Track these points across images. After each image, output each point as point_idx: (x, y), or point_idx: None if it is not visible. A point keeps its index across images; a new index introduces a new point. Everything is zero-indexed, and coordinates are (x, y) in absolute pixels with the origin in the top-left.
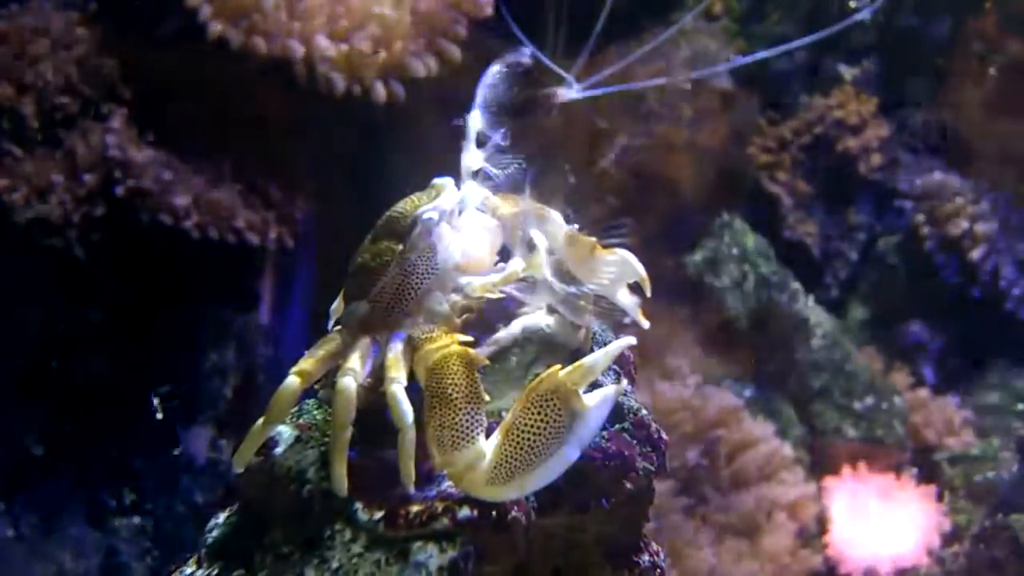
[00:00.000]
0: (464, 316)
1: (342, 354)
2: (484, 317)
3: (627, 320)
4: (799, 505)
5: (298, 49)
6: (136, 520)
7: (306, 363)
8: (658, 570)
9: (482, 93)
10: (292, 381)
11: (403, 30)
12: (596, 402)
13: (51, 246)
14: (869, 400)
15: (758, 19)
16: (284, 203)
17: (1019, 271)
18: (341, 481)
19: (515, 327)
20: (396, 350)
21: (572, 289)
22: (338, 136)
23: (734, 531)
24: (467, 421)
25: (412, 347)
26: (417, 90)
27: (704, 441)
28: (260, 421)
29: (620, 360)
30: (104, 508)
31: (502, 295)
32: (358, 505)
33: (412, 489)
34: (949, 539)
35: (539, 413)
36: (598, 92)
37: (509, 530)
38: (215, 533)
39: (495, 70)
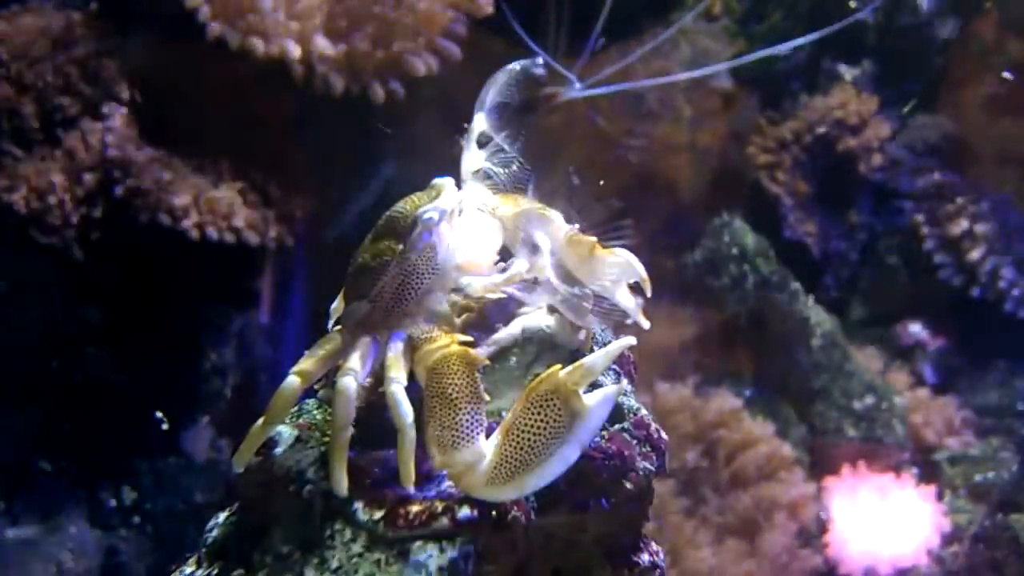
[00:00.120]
0: (464, 316)
1: (342, 354)
2: (484, 317)
3: (628, 320)
4: (799, 505)
5: (295, 50)
6: (136, 520)
7: (306, 363)
8: (658, 570)
9: (486, 94)
10: (292, 381)
11: (402, 29)
12: (596, 402)
13: (51, 246)
14: (869, 400)
15: (758, 19)
16: (283, 202)
17: (1019, 271)
18: (341, 481)
19: (515, 327)
20: (396, 350)
21: (575, 290)
22: (338, 135)
23: (734, 531)
24: (467, 421)
25: (412, 347)
26: (417, 89)
27: (704, 441)
28: (260, 421)
29: (620, 360)
30: (104, 508)
31: (502, 295)
32: (358, 505)
33: (412, 489)
34: (949, 539)
35: (539, 413)
36: (600, 92)
37: (509, 530)
38: (215, 533)
39: (504, 72)
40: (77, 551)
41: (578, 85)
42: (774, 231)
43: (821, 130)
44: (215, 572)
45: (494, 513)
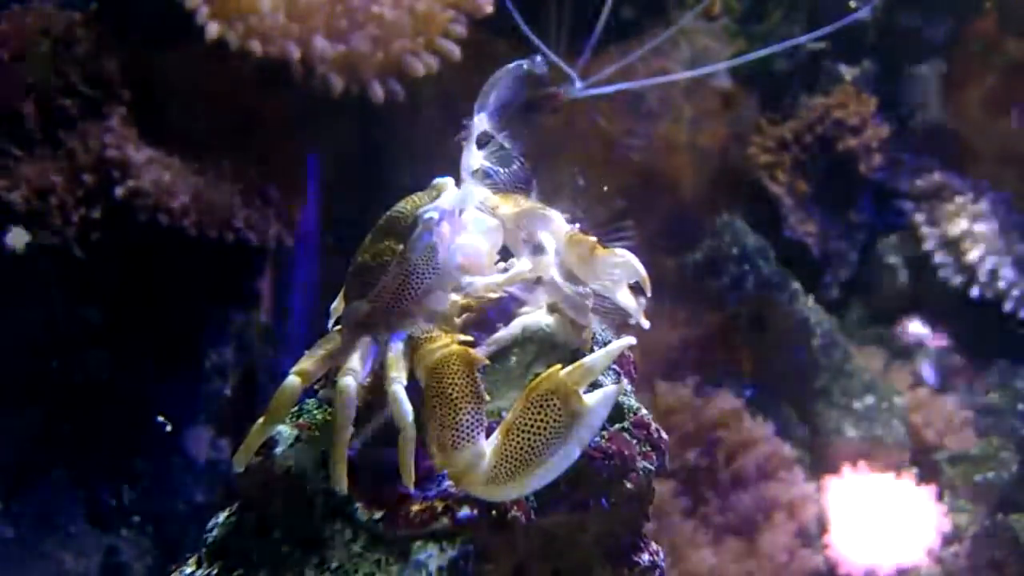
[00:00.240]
0: (464, 316)
1: (342, 354)
2: (484, 317)
3: (628, 320)
4: (799, 505)
5: (294, 51)
6: (136, 520)
7: (306, 363)
8: (658, 570)
9: (486, 93)
10: (292, 381)
11: (402, 29)
12: (596, 402)
13: (51, 246)
14: (869, 400)
15: (758, 19)
16: (283, 202)
17: (1019, 271)
18: (341, 480)
19: (515, 327)
20: (396, 350)
21: (580, 289)
22: (338, 135)
23: (734, 531)
24: (467, 421)
25: (412, 347)
26: (417, 89)
27: (704, 441)
28: (260, 421)
29: (620, 360)
30: (104, 508)
31: (504, 294)
32: (358, 504)
33: (412, 488)
34: (949, 539)
35: (539, 413)
36: (601, 91)
37: (509, 529)
38: (215, 533)
39: (504, 71)
40: (77, 551)
41: (579, 84)
42: (774, 231)
43: (821, 130)
44: (215, 572)
45: (494, 513)
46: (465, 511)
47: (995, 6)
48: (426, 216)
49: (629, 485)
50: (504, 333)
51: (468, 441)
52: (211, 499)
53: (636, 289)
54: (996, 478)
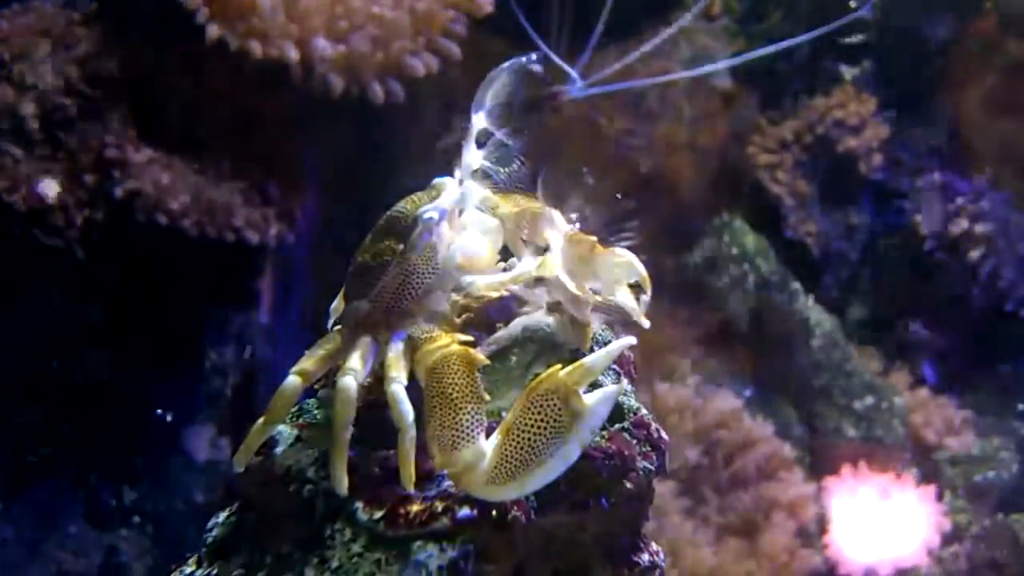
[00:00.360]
0: (464, 316)
1: (342, 353)
2: (484, 317)
3: (628, 320)
4: (799, 505)
5: (293, 53)
6: (136, 520)
7: (306, 362)
8: (658, 570)
9: (484, 92)
10: (292, 380)
11: (402, 30)
12: (596, 401)
13: (52, 246)
14: (869, 400)
15: (758, 19)
16: (283, 201)
17: (1019, 271)
18: (341, 480)
19: (515, 327)
20: (396, 350)
21: (587, 285)
22: (338, 135)
23: (734, 531)
24: (467, 421)
25: (412, 347)
26: (417, 88)
27: (704, 441)
28: (260, 421)
29: (620, 360)
30: (104, 508)
31: (505, 294)
32: (358, 504)
33: (412, 489)
34: (949, 539)
35: (539, 413)
36: (602, 90)
37: (509, 530)
38: (215, 533)
39: (502, 70)
40: (77, 551)
41: (580, 83)
42: (774, 231)
43: (821, 130)
44: (215, 572)
45: (494, 513)
46: (465, 511)
47: (995, 6)
48: (426, 216)
49: (629, 485)
50: (504, 333)
51: (468, 441)
52: (211, 499)
53: (636, 289)
54: (996, 478)
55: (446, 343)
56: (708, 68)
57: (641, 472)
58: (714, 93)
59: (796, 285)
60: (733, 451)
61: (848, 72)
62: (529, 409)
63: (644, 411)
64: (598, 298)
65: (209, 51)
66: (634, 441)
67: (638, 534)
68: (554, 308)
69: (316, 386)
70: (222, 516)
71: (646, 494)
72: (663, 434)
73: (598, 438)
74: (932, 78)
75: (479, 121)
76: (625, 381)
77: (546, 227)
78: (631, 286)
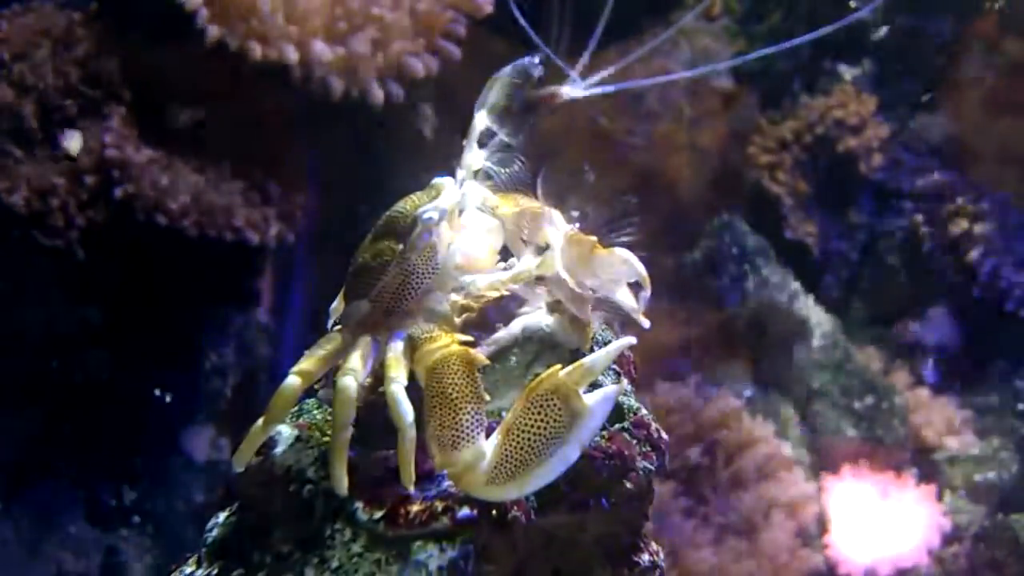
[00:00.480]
0: (464, 316)
1: (342, 354)
2: (484, 317)
3: (628, 320)
4: (799, 505)
5: (293, 55)
6: (136, 520)
7: (306, 363)
8: (658, 570)
9: (487, 93)
10: (292, 381)
11: (402, 31)
12: (596, 402)
13: (51, 247)
14: (869, 400)
15: (758, 19)
16: (283, 201)
17: (1019, 271)
18: (341, 480)
19: (515, 327)
20: (396, 350)
21: (587, 285)
22: (338, 134)
23: (734, 531)
24: (467, 421)
25: (412, 347)
26: (417, 89)
27: (704, 441)
28: (260, 421)
29: (620, 360)
30: (104, 508)
31: (505, 293)
32: (358, 504)
33: (412, 489)
34: (949, 539)
35: (539, 413)
36: (602, 91)
37: (509, 530)
38: (215, 533)
39: (505, 71)
40: (77, 551)
41: (579, 84)
42: (774, 231)
43: (821, 130)
44: (215, 572)
45: (494, 513)
46: (465, 511)
47: (995, 6)
48: (425, 216)
49: (629, 485)
50: (504, 333)
51: (468, 441)
52: (211, 499)
53: (636, 288)
54: (996, 478)
55: (446, 343)
56: (707, 69)
57: (641, 472)
58: (714, 93)
59: (796, 285)
60: (733, 451)
61: (848, 72)
62: (529, 409)
63: (644, 411)
64: (599, 295)
65: (209, 51)
66: (634, 441)
67: (638, 534)
68: (554, 308)
69: (316, 386)
70: (222, 516)
71: (646, 494)
72: (663, 434)
73: (598, 438)
74: (932, 78)
75: (481, 120)
76: (625, 381)
77: (546, 226)
78: (631, 286)
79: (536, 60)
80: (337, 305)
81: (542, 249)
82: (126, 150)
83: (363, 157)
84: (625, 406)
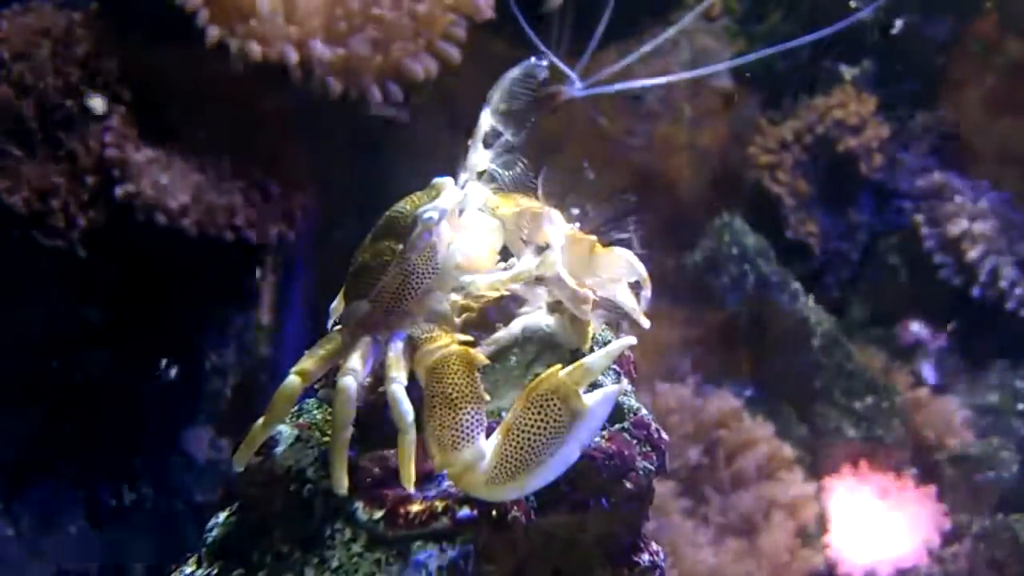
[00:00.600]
0: (464, 316)
1: (342, 354)
2: (484, 317)
3: (628, 320)
4: (799, 505)
5: (292, 55)
6: (136, 520)
7: (306, 362)
8: (658, 570)
9: (493, 93)
10: (292, 380)
11: (402, 32)
12: (596, 402)
13: (52, 247)
14: (869, 400)
15: (758, 19)
16: (283, 200)
17: (1020, 271)
18: (341, 480)
19: (515, 327)
20: (396, 350)
21: (587, 284)
22: (338, 135)
23: (734, 531)
24: (467, 421)
25: (412, 347)
26: (417, 90)
27: (704, 441)
28: (260, 421)
29: (620, 360)
30: (104, 508)
31: (505, 293)
32: (358, 504)
33: (412, 489)
34: (949, 539)
35: (539, 413)
36: (601, 91)
37: (509, 530)
38: (215, 533)
39: (511, 72)
40: (77, 551)
41: (579, 84)
42: (775, 231)
43: (821, 130)
44: (215, 572)
45: (494, 513)
46: (465, 511)
47: (995, 6)
48: (425, 216)
49: (629, 485)
50: (504, 333)
51: (468, 441)
52: (211, 499)
53: (636, 288)
54: (996, 478)
55: (446, 343)
56: (707, 70)
57: (641, 472)
58: (714, 93)
59: (796, 285)
60: (733, 451)
61: (848, 72)
62: (529, 409)
63: (644, 411)
64: (599, 295)
65: (209, 51)
66: (634, 441)
67: (638, 534)
68: (554, 308)
69: (316, 386)
70: (222, 516)
71: (646, 494)
72: (663, 434)
73: (598, 438)
74: (932, 78)
75: (486, 120)
76: (625, 381)
77: (546, 226)
78: (631, 286)
79: (544, 62)
80: (337, 305)
81: (542, 249)
82: (126, 150)
83: (363, 156)
84: (625, 406)
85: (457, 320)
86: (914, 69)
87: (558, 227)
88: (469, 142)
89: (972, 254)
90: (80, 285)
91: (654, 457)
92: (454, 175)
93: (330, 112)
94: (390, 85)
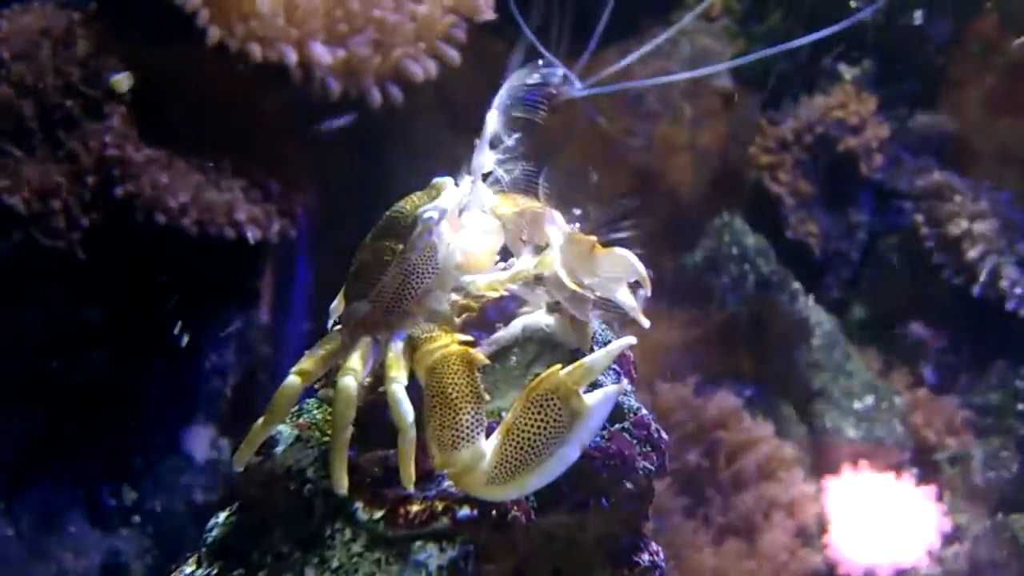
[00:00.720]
0: (464, 316)
1: (342, 353)
2: (484, 317)
3: (628, 319)
4: (799, 505)
5: (292, 56)
6: (136, 520)
7: (306, 362)
8: (658, 570)
9: (500, 94)
10: (292, 380)
11: (402, 33)
12: (596, 402)
13: (53, 247)
14: (869, 400)
15: (758, 19)
16: (284, 198)
17: (1020, 271)
18: (341, 480)
19: (515, 327)
20: (396, 350)
21: (587, 284)
22: (338, 135)
23: (734, 531)
24: (467, 421)
25: (412, 347)
26: (416, 91)
27: (704, 441)
28: (260, 420)
29: (620, 360)
30: (104, 508)
31: (505, 293)
32: (358, 504)
33: (412, 489)
34: (949, 539)
35: (539, 413)
36: (601, 91)
37: (509, 529)
38: (215, 532)
39: (516, 74)
40: (77, 551)
41: (579, 85)
42: (775, 231)
43: (821, 130)
44: (215, 572)
45: (494, 513)
46: (465, 511)
47: (995, 6)
48: (425, 216)
49: (629, 485)
50: (504, 333)
51: (468, 441)
52: (211, 499)
53: (636, 288)
54: (996, 478)
55: (446, 343)
56: (707, 70)
57: (641, 472)
58: (714, 93)
59: (796, 285)
60: (733, 451)
61: (848, 72)
62: (529, 409)
63: (644, 411)
64: (599, 295)
65: (209, 51)
66: (634, 441)
67: (638, 534)
68: (554, 308)
69: (316, 386)
70: (222, 516)
71: (646, 494)
72: (663, 434)
73: (598, 438)
74: (932, 78)
75: (492, 121)
76: (625, 381)
77: (546, 226)
78: (631, 286)
79: (551, 64)
80: (337, 305)
81: (542, 249)
82: (126, 149)
83: (363, 156)
84: (625, 406)
85: (457, 320)
86: (914, 69)
87: (558, 227)
88: (476, 142)
89: (972, 254)
90: (80, 285)
91: (654, 457)
92: (455, 175)
93: (330, 112)
94: (390, 86)
